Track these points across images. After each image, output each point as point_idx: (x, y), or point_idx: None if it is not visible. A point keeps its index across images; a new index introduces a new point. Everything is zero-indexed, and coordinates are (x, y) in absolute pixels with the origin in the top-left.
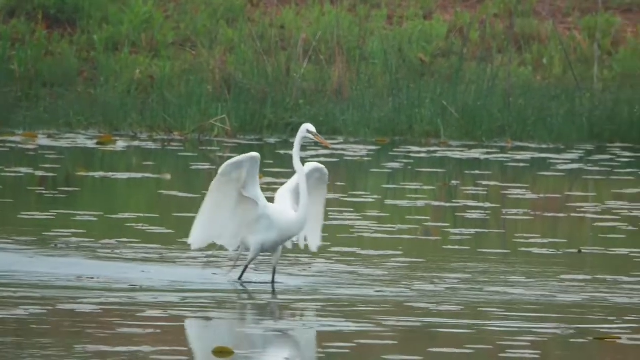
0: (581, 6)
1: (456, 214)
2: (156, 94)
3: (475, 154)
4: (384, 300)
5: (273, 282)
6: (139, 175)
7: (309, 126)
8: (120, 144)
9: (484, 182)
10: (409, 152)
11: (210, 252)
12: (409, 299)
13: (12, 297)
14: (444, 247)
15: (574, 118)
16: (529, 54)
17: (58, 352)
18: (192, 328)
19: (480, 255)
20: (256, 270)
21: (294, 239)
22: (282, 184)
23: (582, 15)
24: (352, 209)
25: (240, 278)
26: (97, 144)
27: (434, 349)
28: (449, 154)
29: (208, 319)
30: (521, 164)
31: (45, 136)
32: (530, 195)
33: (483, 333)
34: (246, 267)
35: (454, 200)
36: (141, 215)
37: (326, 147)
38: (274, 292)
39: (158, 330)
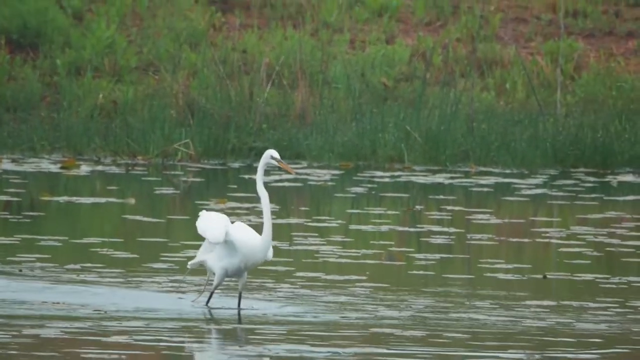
0: (543, 31)
1: (420, 238)
2: (119, 119)
3: (439, 178)
4: (349, 326)
5: (239, 307)
6: (103, 199)
7: (272, 152)
8: (84, 169)
9: (448, 207)
10: (373, 176)
11: (176, 277)
12: (374, 325)
13: None
14: (409, 272)
15: (537, 143)
16: (492, 78)
17: None
18: (158, 355)
19: (445, 281)
20: (222, 296)
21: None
22: (246, 208)
23: (545, 40)
24: (316, 234)
25: (207, 303)
26: (61, 168)
27: None
28: (413, 178)
29: (173, 345)
30: (485, 189)
31: (9, 160)
32: (494, 220)
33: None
34: (212, 292)
35: (418, 225)
36: (105, 239)
37: (289, 173)
38: (239, 318)
39: (123, 357)
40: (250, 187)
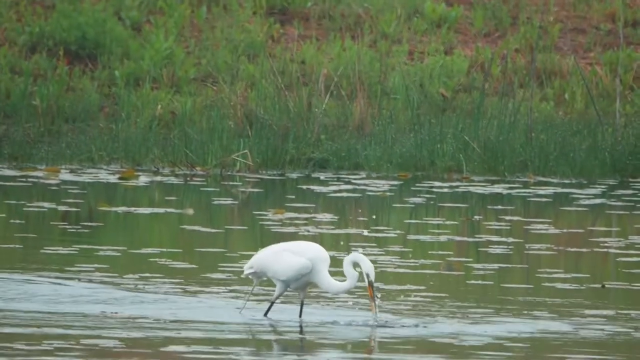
0: (602, 41)
1: (479, 248)
2: (178, 130)
3: (497, 188)
4: (408, 336)
5: (300, 316)
6: (162, 210)
7: (369, 270)
8: (143, 179)
9: (507, 217)
10: (431, 187)
11: (234, 287)
12: (433, 335)
13: (36, 332)
14: (467, 282)
15: (596, 153)
16: (551, 89)
17: None
18: None
19: (504, 290)
20: (282, 304)
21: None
22: (304, 218)
23: (604, 51)
24: (374, 244)
25: (266, 314)
26: (120, 179)
27: None
28: (471, 188)
29: (232, 354)
30: (544, 199)
31: (68, 171)
32: (553, 230)
33: None
34: (272, 303)
35: (476, 235)
36: (164, 250)
37: (370, 308)
38: (301, 328)
39: None
40: (308, 197)
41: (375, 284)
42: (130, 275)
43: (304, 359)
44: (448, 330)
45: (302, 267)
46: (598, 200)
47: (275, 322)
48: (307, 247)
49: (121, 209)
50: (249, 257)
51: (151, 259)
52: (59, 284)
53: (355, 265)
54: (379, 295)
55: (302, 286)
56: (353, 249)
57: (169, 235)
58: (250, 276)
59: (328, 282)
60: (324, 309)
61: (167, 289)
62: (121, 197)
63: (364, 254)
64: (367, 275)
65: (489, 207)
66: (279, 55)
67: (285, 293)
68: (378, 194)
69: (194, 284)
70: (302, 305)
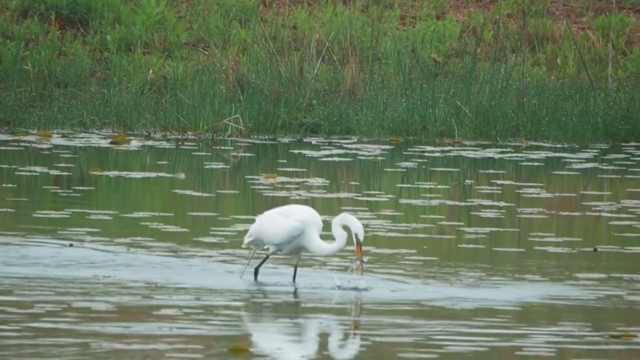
0: (595, 6)
1: (471, 213)
2: (169, 94)
3: (489, 153)
4: (399, 300)
5: (294, 279)
6: (153, 174)
7: (358, 230)
8: (134, 144)
9: (499, 181)
10: (423, 151)
11: (226, 251)
12: (424, 298)
13: (28, 295)
14: (459, 246)
15: (588, 117)
16: (543, 53)
17: (74, 350)
18: (208, 327)
19: (495, 254)
20: (275, 269)
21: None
22: (296, 182)
23: (596, 15)
24: (366, 208)
25: (256, 272)
26: (111, 143)
27: (450, 349)
28: (463, 153)
29: (224, 316)
30: (535, 163)
31: (60, 136)
32: (545, 194)
33: (499, 334)
34: (263, 260)
35: (468, 200)
36: (156, 214)
37: (357, 260)
38: (295, 291)
39: (173, 329)
40: (299, 162)
41: (367, 248)
42: (122, 239)
43: (296, 322)
44: (439, 294)
45: (293, 229)
46: (590, 165)
47: (268, 286)
48: (298, 210)
49: (113, 173)
50: (241, 221)
51: (143, 223)
52: (51, 247)
53: (345, 227)
54: (365, 260)
55: (295, 250)
56: (343, 210)
57: (161, 200)
58: (250, 245)
59: (318, 244)
60: (317, 272)
61: (159, 252)
62: (113, 161)
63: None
64: (356, 235)
65: (481, 171)
66: (270, 20)
67: (280, 256)
68: (370, 158)
69: (186, 248)
70: (295, 269)
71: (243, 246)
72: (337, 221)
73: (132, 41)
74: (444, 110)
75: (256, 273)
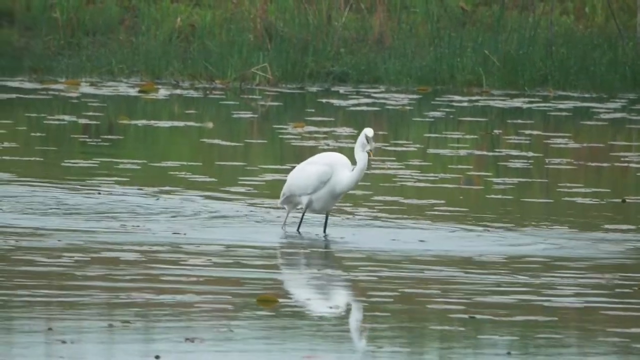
0: None
1: (499, 163)
2: (197, 43)
3: (517, 103)
4: (426, 250)
5: (325, 229)
6: (181, 123)
7: (368, 131)
8: (162, 92)
9: (527, 132)
10: (451, 101)
11: (254, 201)
12: (452, 249)
13: (57, 245)
14: (487, 196)
15: (616, 67)
16: (571, 2)
17: (102, 300)
18: (236, 276)
19: (524, 205)
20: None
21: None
22: (324, 132)
23: None
24: (394, 158)
25: (298, 229)
26: (139, 92)
27: (477, 298)
28: (491, 103)
29: (252, 267)
30: (564, 113)
31: (88, 84)
32: (573, 145)
33: (527, 284)
34: (301, 220)
35: (496, 150)
36: (184, 163)
37: (369, 154)
38: (325, 238)
39: (202, 279)
40: (327, 111)
41: (395, 198)
42: (150, 188)
43: (324, 273)
44: (468, 245)
45: (322, 174)
46: (618, 115)
47: (298, 237)
48: (324, 155)
49: (141, 122)
50: (269, 170)
51: (171, 172)
52: (79, 196)
53: (365, 145)
54: (375, 146)
55: (327, 200)
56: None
57: (189, 149)
58: (284, 204)
59: (346, 176)
60: (345, 223)
61: (187, 202)
62: (141, 110)
63: (383, 167)
64: (365, 135)
65: (509, 121)
66: None
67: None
68: (397, 107)
69: (214, 197)
70: (326, 220)
71: (278, 205)
72: (356, 146)
73: None
74: (471, 59)
75: (298, 233)
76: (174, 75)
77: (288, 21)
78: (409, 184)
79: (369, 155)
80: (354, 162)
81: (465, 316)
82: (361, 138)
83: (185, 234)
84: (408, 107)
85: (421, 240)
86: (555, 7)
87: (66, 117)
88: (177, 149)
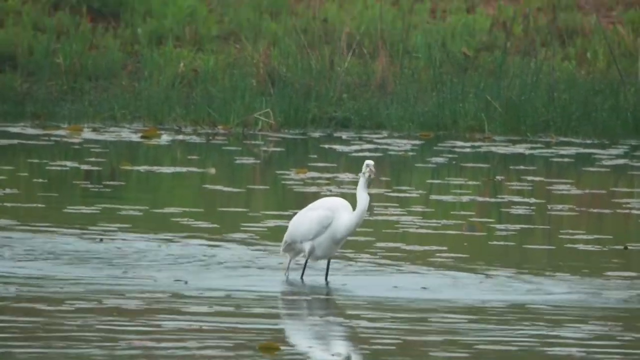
0: (625, 0)
1: (501, 209)
2: (200, 88)
3: (519, 149)
4: (429, 297)
5: (327, 276)
6: (184, 169)
7: (368, 161)
8: (165, 138)
9: (529, 178)
10: (453, 146)
11: (256, 248)
12: (454, 297)
13: (59, 292)
14: (489, 242)
15: (618, 113)
16: (573, 48)
17: (104, 347)
18: (238, 324)
19: (526, 251)
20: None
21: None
22: (326, 178)
23: (626, 9)
24: (396, 204)
25: (302, 277)
26: (142, 137)
27: (480, 348)
28: (493, 148)
29: (254, 315)
30: (566, 159)
31: (90, 129)
32: (575, 191)
33: (530, 333)
34: (304, 267)
35: (498, 196)
36: (186, 209)
37: (371, 176)
38: (327, 289)
39: (203, 326)
40: (330, 157)
41: (397, 244)
42: (152, 235)
43: (327, 320)
44: (470, 292)
45: (323, 218)
46: (620, 161)
47: (300, 284)
48: (325, 200)
49: (143, 167)
50: (271, 216)
51: (173, 219)
52: (81, 243)
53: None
54: (374, 170)
55: (329, 246)
56: (372, 205)
57: (191, 195)
58: (286, 252)
59: (346, 219)
60: (349, 270)
61: (189, 248)
62: (143, 155)
63: (385, 213)
64: (366, 163)
65: (511, 167)
66: (301, 13)
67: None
68: (400, 153)
69: (216, 243)
70: (327, 267)
71: (280, 253)
72: (358, 186)
73: (163, 34)
74: (474, 104)
75: (302, 280)
76: (176, 121)
77: (291, 66)
78: (411, 230)
79: (369, 177)
80: (355, 207)
81: None
82: (362, 176)
83: (187, 281)
84: (410, 153)
85: (423, 288)
86: (557, 53)
87: (68, 163)
88: (180, 195)
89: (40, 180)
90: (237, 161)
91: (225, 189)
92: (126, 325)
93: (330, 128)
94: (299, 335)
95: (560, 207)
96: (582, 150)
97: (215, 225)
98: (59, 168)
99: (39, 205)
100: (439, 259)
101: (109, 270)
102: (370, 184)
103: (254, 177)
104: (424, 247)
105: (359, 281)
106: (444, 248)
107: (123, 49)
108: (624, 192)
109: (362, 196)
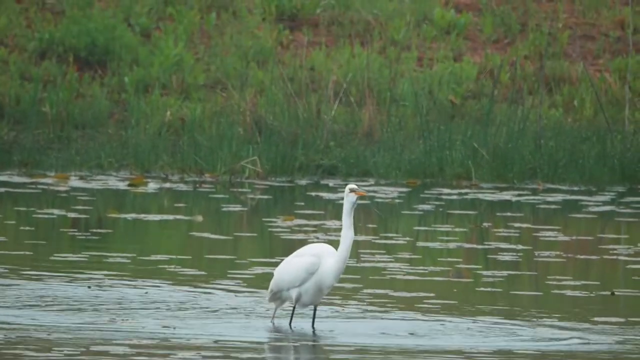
0: (612, 48)
1: (488, 256)
2: (187, 136)
3: (506, 195)
4: (417, 345)
5: (313, 322)
6: (171, 217)
7: (351, 185)
8: (152, 186)
9: (516, 224)
10: (440, 194)
11: (244, 295)
12: (442, 343)
13: (46, 339)
14: (477, 289)
15: (605, 160)
16: (560, 95)
17: None
18: None
19: (513, 298)
20: (296, 314)
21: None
22: (313, 225)
23: (613, 57)
24: (383, 251)
25: (290, 324)
26: (129, 185)
27: None
28: (480, 196)
29: None
30: (553, 206)
31: (77, 178)
32: (562, 238)
33: None
34: (292, 314)
35: (485, 242)
36: (173, 256)
37: (363, 196)
38: (314, 332)
39: None
40: (317, 204)
41: (384, 291)
42: (140, 282)
43: None
44: (457, 339)
45: (309, 265)
46: (607, 208)
47: (287, 331)
48: (310, 247)
49: (130, 215)
50: (258, 264)
51: (161, 266)
52: (69, 291)
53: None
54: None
55: (315, 292)
56: (359, 252)
57: (178, 242)
58: (272, 301)
59: (331, 262)
60: (337, 316)
61: (176, 296)
62: (130, 203)
63: (372, 260)
64: (350, 188)
65: (498, 214)
66: (288, 61)
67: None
68: (387, 201)
69: (204, 291)
70: (314, 314)
71: (266, 302)
72: (344, 218)
73: (149, 83)
74: (461, 152)
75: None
76: (163, 169)
77: (278, 115)
78: (398, 276)
79: (356, 199)
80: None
81: None
82: (348, 198)
83: (174, 328)
84: (397, 200)
85: (411, 333)
86: (544, 101)
87: (55, 211)
88: (167, 243)
89: (28, 228)
90: (224, 209)
91: (213, 236)
92: None
93: (317, 176)
94: None
95: (547, 253)
96: (569, 197)
97: (202, 273)
98: (46, 216)
99: (27, 252)
100: (427, 305)
101: (97, 316)
102: (354, 207)
103: (241, 225)
104: (412, 294)
105: (347, 327)
106: (432, 294)
107: (110, 97)
108: (610, 239)
109: (347, 234)
